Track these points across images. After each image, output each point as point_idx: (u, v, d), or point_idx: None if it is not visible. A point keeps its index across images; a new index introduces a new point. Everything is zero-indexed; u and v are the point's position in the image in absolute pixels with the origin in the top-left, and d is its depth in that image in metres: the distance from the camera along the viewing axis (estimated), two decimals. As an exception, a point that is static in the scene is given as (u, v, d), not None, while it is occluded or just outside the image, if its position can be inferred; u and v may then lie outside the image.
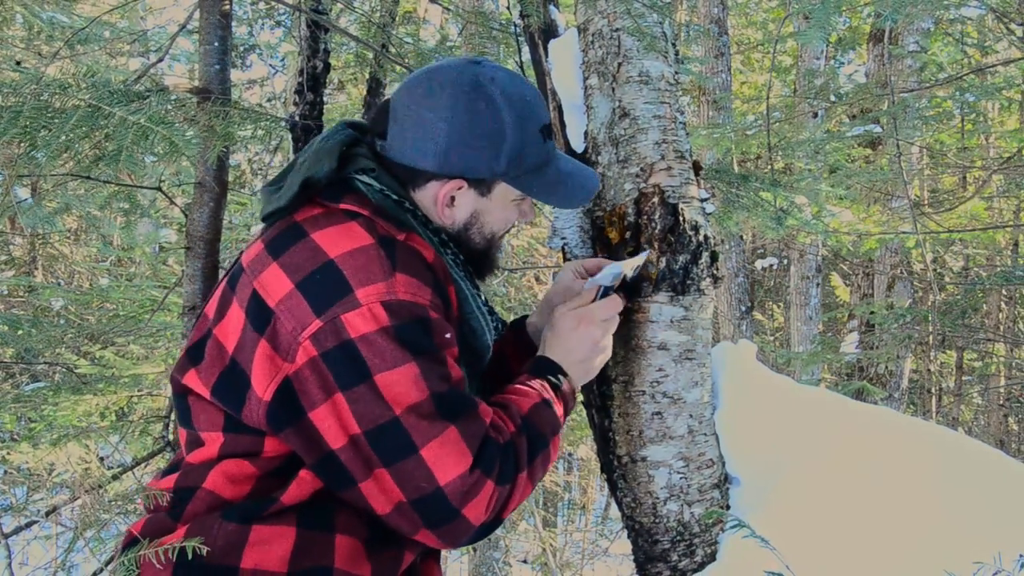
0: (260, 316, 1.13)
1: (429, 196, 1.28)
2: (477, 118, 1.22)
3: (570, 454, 8.46)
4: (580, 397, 1.51)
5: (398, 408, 1.09)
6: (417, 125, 1.24)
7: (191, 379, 1.21)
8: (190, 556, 1.08)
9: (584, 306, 1.38)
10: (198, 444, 1.22)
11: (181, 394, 1.24)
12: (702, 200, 1.60)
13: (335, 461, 1.11)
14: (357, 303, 1.09)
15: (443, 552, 1.47)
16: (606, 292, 1.41)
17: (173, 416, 2.25)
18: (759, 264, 10.27)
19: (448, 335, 1.16)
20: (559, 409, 1.29)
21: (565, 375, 1.33)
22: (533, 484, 1.22)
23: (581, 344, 1.35)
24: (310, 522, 1.14)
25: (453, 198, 1.28)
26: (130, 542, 1.18)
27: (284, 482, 1.15)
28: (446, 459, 1.09)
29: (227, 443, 1.18)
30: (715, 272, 1.55)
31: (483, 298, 1.34)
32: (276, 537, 1.12)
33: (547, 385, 1.30)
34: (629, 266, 1.45)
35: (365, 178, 1.25)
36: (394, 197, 1.25)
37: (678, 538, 1.51)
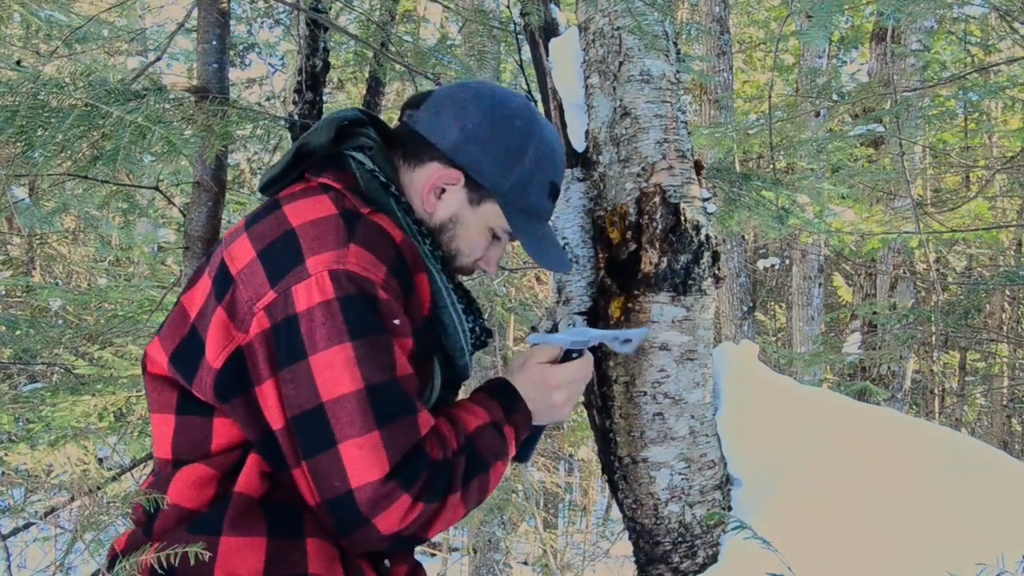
0: (223, 284, 1.13)
1: (422, 177, 1.27)
2: (508, 130, 1.26)
3: (571, 455, 8.45)
4: (582, 399, 1.49)
5: (325, 395, 1.05)
6: (453, 107, 1.27)
7: (154, 347, 1.21)
8: (194, 564, 1.05)
9: (548, 365, 1.30)
10: (158, 432, 1.21)
11: (147, 372, 1.23)
12: (704, 200, 1.59)
13: (275, 441, 1.09)
14: (307, 273, 1.08)
15: (443, 553, 1.44)
16: (570, 354, 1.31)
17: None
18: (761, 264, 10.25)
19: (397, 321, 1.11)
20: (509, 434, 1.24)
21: (522, 401, 1.28)
22: (466, 508, 1.15)
23: (540, 399, 1.30)
24: (279, 528, 1.11)
25: (444, 190, 1.27)
26: (112, 559, 1.15)
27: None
28: (360, 463, 1.04)
29: (179, 428, 1.16)
30: (717, 272, 1.55)
31: (466, 301, 1.29)
32: (246, 548, 1.09)
33: (500, 406, 1.25)
34: (608, 336, 1.36)
35: (360, 156, 1.25)
36: (382, 179, 1.24)
37: (679, 539, 1.50)
